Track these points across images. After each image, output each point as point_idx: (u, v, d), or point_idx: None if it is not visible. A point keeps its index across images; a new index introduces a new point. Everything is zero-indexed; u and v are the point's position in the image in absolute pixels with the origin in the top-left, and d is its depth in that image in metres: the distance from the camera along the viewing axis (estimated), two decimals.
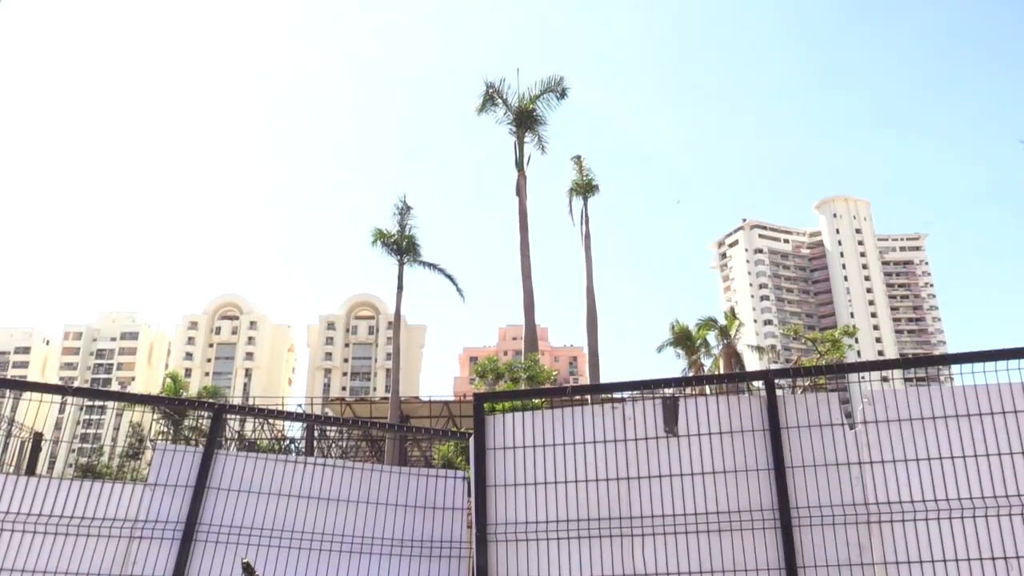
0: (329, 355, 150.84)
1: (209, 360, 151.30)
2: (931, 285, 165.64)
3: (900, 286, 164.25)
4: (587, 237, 43.85)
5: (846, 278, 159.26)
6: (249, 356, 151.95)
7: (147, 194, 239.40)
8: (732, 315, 54.79)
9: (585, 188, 43.84)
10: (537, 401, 12.34)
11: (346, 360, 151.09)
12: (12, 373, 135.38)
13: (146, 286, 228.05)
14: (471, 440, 5.49)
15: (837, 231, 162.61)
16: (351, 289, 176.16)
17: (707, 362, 49.77)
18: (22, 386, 6.61)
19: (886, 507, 4.92)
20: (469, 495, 5.55)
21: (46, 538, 5.14)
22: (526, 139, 43.07)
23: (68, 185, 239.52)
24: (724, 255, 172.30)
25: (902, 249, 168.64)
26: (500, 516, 5.27)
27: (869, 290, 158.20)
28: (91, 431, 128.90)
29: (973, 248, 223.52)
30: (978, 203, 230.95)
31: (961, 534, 4.82)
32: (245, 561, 5.22)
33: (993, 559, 4.75)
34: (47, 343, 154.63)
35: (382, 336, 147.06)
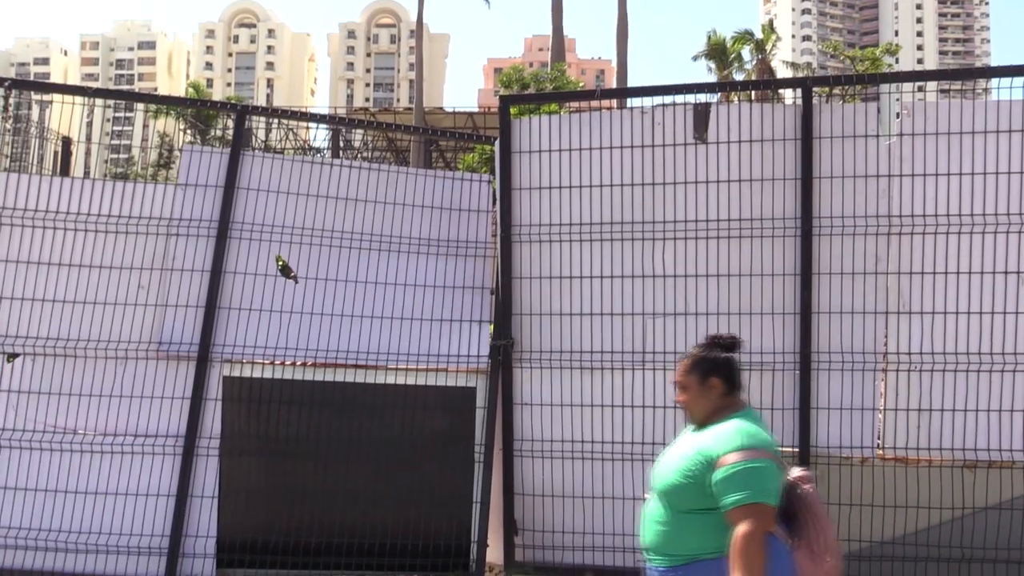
0: (351, 65, 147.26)
1: (230, 70, 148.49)
2: (986, 3, 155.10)
3: (953, 2, 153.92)
4: None
5: None
6: (269, 66, 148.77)
7: None
8: (770, 28, 51.98)
9: None
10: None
11: (368, 70, 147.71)
12: None
13: None
14: (497, 143, 5.45)
15: None
16: None
17: (739, 78, 48.18)
18: (46, 87, 6.54)
19: (908, 220, 4.94)
20: (493, 202, 5.62)
21: (87, 235, 5.31)
22: None
23: None
24: None
25: None
26: (525, 218, 5.36)
27: (919, 6, 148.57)
28: (119, 142, 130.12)
29: None
30: None
31: (979, 248, 4.86)
32: (280, 259, 5.42)
33: (1006, 273, 4.84)
34: (65, 54, 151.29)
35: (404, 46, 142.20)
